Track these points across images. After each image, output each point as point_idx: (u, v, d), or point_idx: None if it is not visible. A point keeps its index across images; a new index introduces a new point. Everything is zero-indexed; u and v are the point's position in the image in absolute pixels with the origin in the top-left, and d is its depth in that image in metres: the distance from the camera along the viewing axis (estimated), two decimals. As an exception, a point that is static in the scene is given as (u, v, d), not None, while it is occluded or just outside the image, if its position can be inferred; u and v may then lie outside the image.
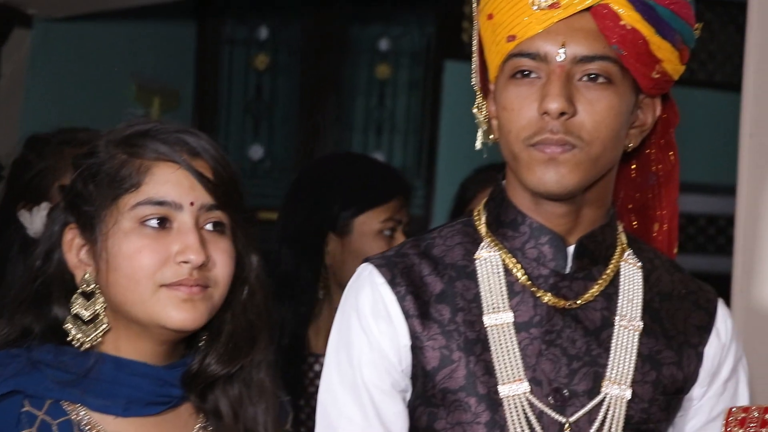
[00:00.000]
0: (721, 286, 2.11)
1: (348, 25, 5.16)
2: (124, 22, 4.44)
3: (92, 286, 1.65)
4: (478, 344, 1.64)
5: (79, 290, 1.65)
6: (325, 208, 2.78)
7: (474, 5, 1.72)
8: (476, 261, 1.68)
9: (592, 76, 1.61)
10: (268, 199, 4.91)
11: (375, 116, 5.18)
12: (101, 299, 1.64)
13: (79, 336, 1.63)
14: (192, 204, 1.63)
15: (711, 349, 1.71)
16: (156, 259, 1.61)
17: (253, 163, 5.17)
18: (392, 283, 1.66)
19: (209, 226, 1.65)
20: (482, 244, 1.69)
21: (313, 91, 5.15)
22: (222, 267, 1.65)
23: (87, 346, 1.63)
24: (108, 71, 4.41)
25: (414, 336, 1.65)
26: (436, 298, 1.66)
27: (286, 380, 2.67)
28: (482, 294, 1.66)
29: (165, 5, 4.23)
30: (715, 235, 5.07)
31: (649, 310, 1.69)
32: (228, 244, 1.67)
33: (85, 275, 1.65)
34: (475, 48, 1.74)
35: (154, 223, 1.62)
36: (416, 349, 1.65)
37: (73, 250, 1.66)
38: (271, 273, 2.73)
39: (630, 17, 1.60)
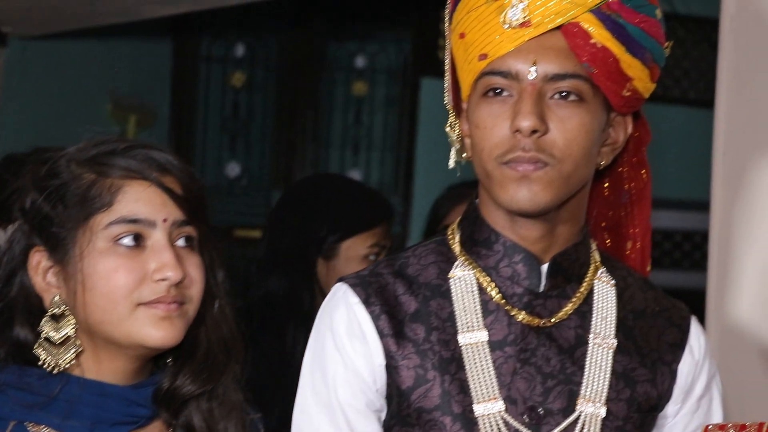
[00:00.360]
0: (697, 301, 2.12)
1: (324, 42, 5.17)
2: (99, 40, 4.44)
3: (62, 308, 1.64)
4: (452, 363, 1.64)
5: (49, 313, 1.64)
6: (312, 232, 2.79)
7: (446, 24, 1.73)
8: (450, 280, 1.68)
9: (564, 94, 1.61)
10: (245, 216, 4.91)
11: (352, 133, 5.18)
12: (72, 321, 1.63)
13: (49, 359, 1.62)
14: (165, 221, 1.63)
15: (684, 367, 1.71)
16: (132, 278, 1.61)
17: (230, 181, 5.16)
18: (367, 303, 1.66)
19: (181, 242, 1.65)
20: (456, 262, 1.69)
21: (290, 109, 5.15)
22: (197, 283, 1.66)
23: (59, 369, 1.62)
24: (84, 89, 4.40)
25: (389, 355, 1.64)
26: (410, 318, 1.66)
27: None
28: (456, 313, 1.66)
29: (141, 23, 4.23)
30: (690, 250, 5.09)
31: (622, 328, 1.70)
32: (199, 259, 1.67)
33: (54, 298, 1.64)
34: (447, 67, 1.74)
35: (128, 241, 1.62)
36: (391, 368, 1.64)
37: (40, 273, 1.65)
38: (259, 295, 2.74)
39: (600, 36, 1.61)
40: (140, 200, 1.63)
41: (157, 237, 1.63)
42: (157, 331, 1.61)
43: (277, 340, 2.73)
